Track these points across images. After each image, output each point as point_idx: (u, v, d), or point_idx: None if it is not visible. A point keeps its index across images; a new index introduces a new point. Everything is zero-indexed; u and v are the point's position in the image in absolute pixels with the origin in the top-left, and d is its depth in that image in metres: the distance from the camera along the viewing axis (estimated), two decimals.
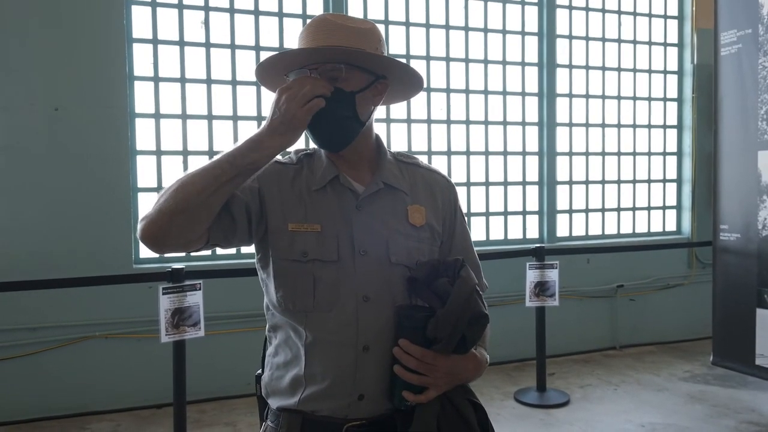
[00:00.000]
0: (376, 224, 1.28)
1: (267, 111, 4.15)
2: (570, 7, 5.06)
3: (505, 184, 4.94)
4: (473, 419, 1.26)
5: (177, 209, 1.15)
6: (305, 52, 1.25)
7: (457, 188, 1.47)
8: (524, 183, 5.00)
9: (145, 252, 3.95)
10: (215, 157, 1.18)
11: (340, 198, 1.29)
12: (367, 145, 1.35)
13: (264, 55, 4.18)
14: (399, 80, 1.35)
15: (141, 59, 3.92)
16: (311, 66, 1.26)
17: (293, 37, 4.25)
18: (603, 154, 5.27)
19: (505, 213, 4.95)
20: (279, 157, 1.35)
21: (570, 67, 5.08)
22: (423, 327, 1.19)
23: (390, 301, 1.25)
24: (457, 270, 1.23)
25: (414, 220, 1.31)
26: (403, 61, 1.32)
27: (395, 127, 4.53)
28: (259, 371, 1.40)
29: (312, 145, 1.36)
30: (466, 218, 1.48)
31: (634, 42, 5.35)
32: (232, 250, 4.10)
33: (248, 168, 1.17)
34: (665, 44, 5.47)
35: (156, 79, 3.94)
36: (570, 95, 5.09)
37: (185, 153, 4.01)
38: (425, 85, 1.43)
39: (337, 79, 1.24)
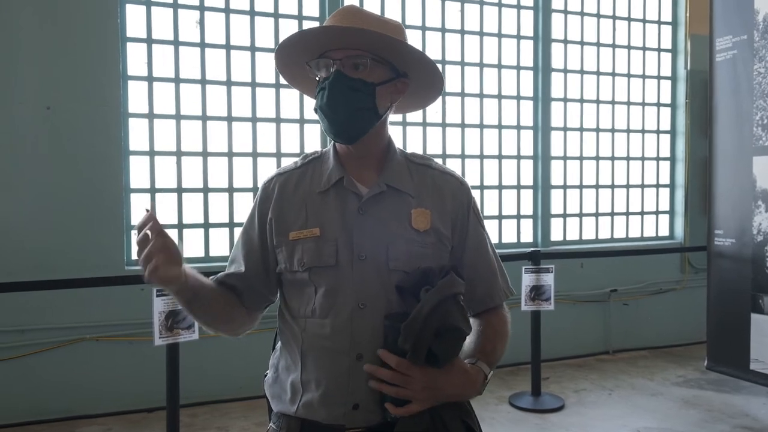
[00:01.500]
0: (378, 228, 1.25)
1: (263, 111, 4.09)
2: (565, 12, 5.07)
3: (500, 187, 4.93)
4: None
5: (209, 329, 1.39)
6: (338, 31, 1.21)
7: None
8: (519, 187, 4.99)
9: (136, 254, 3.90)
10: None
11: (343, 201, 1.27)
12: (379, 144, 1.34)
13: (259, 56, 4.19)
14: (419, 81, 1.33)
15: (135, 58, 3.88)
16: (335, 51, 1.23)
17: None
18: (597, 158, 5.28)
19: (500, 217, 4.94)
20: (280, 168, 1.37)
21: (565, 71, 5.09)
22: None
23: (387, 308, 1.22)
24: (441, 278, 1.19)
25: (417, 225, 1.28)
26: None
27: (391, 130, 4.50)
28: (267, 372, 1.39)
29: (306, 147, 1.35)
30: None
31: (629, 47, 5.37)
32: (225, 252, 4.06)
33: (183, 299, 1.25)
34: (659, 50, 5.49)
35: (150, 79, 3.90)
36: (565, 99, 5.10)
37: (179, 153, 3.97)
38: (443, 90, 1.41)
39: (359, 68, 1.23)
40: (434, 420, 1.19)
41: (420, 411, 1.17)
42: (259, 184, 1.39)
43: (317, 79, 1.28)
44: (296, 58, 1.30)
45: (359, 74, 1.23)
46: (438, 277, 1.19)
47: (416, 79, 1.32)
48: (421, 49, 1.29)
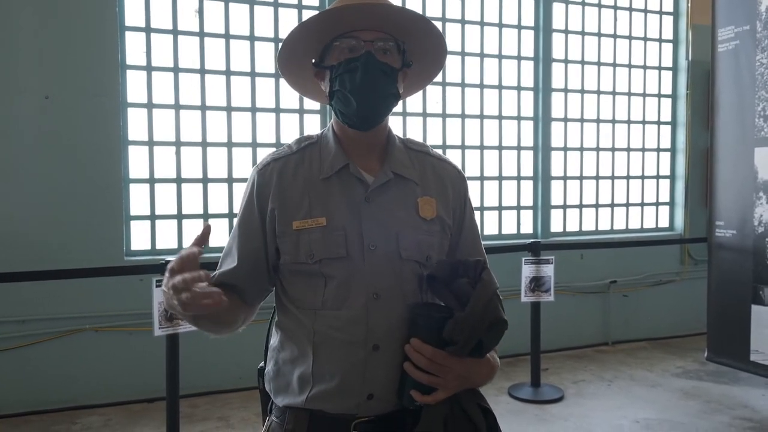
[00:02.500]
0: (386, 217, 1.23)
1: (262, 101, 4.04)
2: (566, 2, 5.04)
3: (500, 178, 4.92)
4: (482, 425, 1.22)
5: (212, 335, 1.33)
6: (372, 8, 1.18)
7: None
8: (519, 178, 4.98)
9: (136, 244, 3.90)
10: None
11: (349, 189, 1.24)
12: (384, 131, 1.32)
13: (259, 46, 4.16)
14: (418, 71, 1.32)
15: (134, 48, 3.85)
16: (362, 32, 1.20)
17: (288, 28, 4.20)
18: (597, 149, 5.27)
19: (500, 207, 4.93)
20: (275, 153, 1.32)
21: (566, 62, 5.06)
22: (438, 327, 1.15)
23: (401, 298, 1.21)
24: (478, 272, 1.19)
25: (424, 213, 1.26)
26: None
27: (391, 121, 4.49)
28: (262, 364, 1.36)
29: (309, 132, 1.32)
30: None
31: (630, 37, 5.34)
32: (224, 242, 4.04)
33: (189, 316, 1.17)
34: (660, 40, 5.47)
35: (149, 68, 3.88)
36: (565, 90, 5.08)
37: (178, 144, 3.95)
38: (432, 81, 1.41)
39: (386, 53, 1.21)
40: (452, 406, 1.19)
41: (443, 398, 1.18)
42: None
43: (314, 62, 1.26)
44: (306, 45, 1.26)
45: (386, 59, 1.21)
46: (473, 270, 1.19)
47: (420, 64, 1.31)
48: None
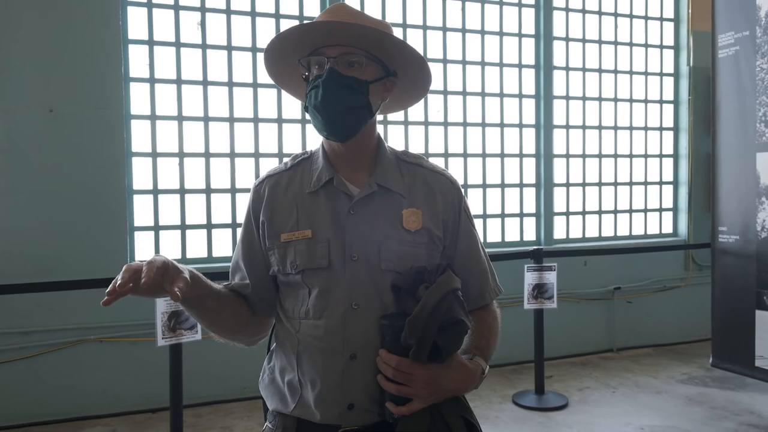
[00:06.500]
0: (369, 229, 1.25)
1: (264, 112, 4.08)
2: (567, 10, 5.06)
3: (503, 186, 4.92)
4: None
5: (217, 335, 1.34)
6: (335, 26, 1.19)
7: None
8: (521, 185, 4.98)
9: (140, 254, 3.92)
10: None
11: (334, 202, 1.27)
12: (369, 143, 1.32)
13: (260, 57, 4.16)
14: (407, 81, 1.32)
15: (137, 60, 3.89)
16: (328, 48, 1.22)
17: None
18: (600, 156, 5.27)
19: (503, 215, 4.93)
20: (271, 170, 1.36)
21: (567, 69, 5.08)
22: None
23: (380, 308, 1.22)
24: (438, 275, 1.20)
25: (409, 225, 1.27)
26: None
27: (392, 130, 4.52)
28: (261, 374, 1.39)
29: (308, 147, 1.34)
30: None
31: (631, 44, 5.36)
32: (227, 252, 4.07)
33: (186, 305, 1.21)
34: (661, 46, 5.48)
35: (152, 81, 3.91)
36: (567, 97, 5.09)
37: (181, 155, 3.98)
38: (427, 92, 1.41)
39: (353, 66, 1.22)
40: (434, 418, 1.19)
41: (421, 409, 1.17)
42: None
43: (304, 77, 1.27)
44: (286, 57, 1.29)
45: (353, 72, 1.22)
46: (435, 275, 1.20)
47: (403, 78, 1.31)
48: (417, 48, 1.28)
